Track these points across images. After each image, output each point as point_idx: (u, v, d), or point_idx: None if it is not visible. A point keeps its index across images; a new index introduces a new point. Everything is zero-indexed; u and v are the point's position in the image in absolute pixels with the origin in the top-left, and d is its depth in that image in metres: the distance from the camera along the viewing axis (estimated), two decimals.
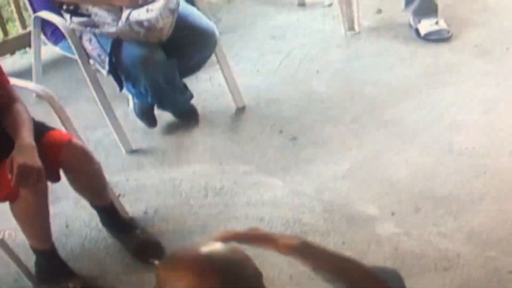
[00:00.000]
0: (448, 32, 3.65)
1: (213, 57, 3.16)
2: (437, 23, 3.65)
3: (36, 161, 2.09)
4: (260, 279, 1.29)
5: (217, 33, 3.05)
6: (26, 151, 2.10)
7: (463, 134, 2.98)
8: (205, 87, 3.44)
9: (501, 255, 2.41)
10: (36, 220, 2.30)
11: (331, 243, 2.52)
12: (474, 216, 2.57)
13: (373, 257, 2.42)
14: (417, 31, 3.68)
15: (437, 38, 3.63)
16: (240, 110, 3.29)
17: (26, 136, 2.15)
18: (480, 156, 2.86)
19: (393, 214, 2.62)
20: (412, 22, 3.72)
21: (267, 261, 1.91)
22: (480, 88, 3.26)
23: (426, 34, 3.64)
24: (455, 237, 2.49)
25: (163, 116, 3.20)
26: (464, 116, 3.09)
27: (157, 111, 3.16)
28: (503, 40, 3.58)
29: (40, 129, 2.32)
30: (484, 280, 2.33)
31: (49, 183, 2.31)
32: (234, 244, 1.32)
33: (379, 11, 3.95)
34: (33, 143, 2.13)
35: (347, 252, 2.41)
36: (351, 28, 3.78)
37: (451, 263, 2.39)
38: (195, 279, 1.22)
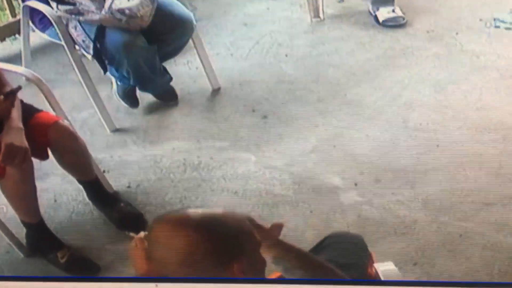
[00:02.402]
0: (404, 19, 3.62)
1: (190, 42, 3.12)
2: (393, 10, 3.63)
3: (23, 142, 2.08)
4: (258, 245, 1.23)
5: (194, 20, 3.02)
6: (13, 132, 2.08)
7: (417, 112, 2.96)
8: (183, 70, 3.39)
9: (453, 220, 2.40)
10: (23, 195, 2.26)
11: (300, 213, 2.50)
12: (429, 185, 2.56)
13: (338, 224, 2.40)
14: (375, 18, 3.65)
15: (394, 24, 3.61)
16: (216, 91, 3.24)
17: (15, 118, 2.12)
18: (432, 132, 2.84)
19: (356, 184, 2.60)
20: (371, 10, 3.69)
21: None
22: (432, 70, 3.24)
23: (384, 21, 3.62)
24: (412, 205, 2.48)
25: (145, 97, 3.15)
26: (417, 95, 3.07)
27: (139, 93, 3.11)
28: (453, 26, 3.57)
29: (29, 111, 2.30)
30: (438, 243, 2.33)
31: (37, 161, 2.26)
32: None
33: (341, 0, 3.92)
34: (21, 125, 2.12)
35: (315, 220, 2.44)
36: (316, 15, 3.74)
37: (409, 228, 2.38)
38: (185, 234, 1.18)
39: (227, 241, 1.21)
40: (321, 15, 3.74)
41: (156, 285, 1.17)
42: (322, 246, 1.76)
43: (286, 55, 3.47)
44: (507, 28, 3.52)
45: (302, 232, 2.38)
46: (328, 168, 2.70)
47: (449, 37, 3.48)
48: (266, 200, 2.57)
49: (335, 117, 2.99)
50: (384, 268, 1.68)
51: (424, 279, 2.21)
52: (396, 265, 1.73)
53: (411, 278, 2.20)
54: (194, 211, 1.25)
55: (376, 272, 1.65)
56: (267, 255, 1.33)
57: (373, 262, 1.68)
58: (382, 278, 1.62)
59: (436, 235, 2.35)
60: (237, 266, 1.20)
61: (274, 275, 1.39)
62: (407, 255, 2.28)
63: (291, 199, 2.57)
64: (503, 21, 3.56)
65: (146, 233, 1.25)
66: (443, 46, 3.41)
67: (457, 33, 3.50)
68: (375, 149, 2.77)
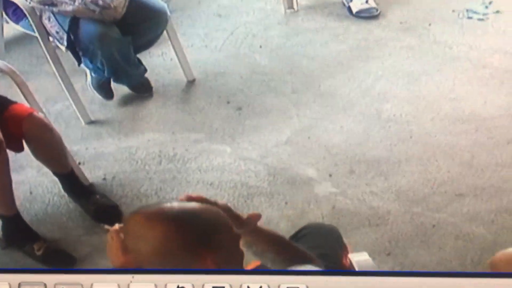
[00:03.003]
0: (377, 10, 3.65)
1: (164, 34, 3.10)
2: (367, 1, 3.64)
3: None
4: (236, 237, 1.25)
5: (168, 12, 3.00)
6: None
7: (390, 103, 2.99)
8: (157, 62, 3.38)
9: (426, 211, 2.44)
10: None
11: (275, 204, 2.51)
12: (402, 176, 2.59)
13: (313, 215, 2.43)
14: (349, 9, 3.66)
15: (367, 15, 3.62)
16: (190, 83, 3.24)
17: None
18: (405, 123, 2.87)
19: (330, 176, 2.62)
20: (344, 1, 3.70)
21: None
22: (405, 62, 3.27)
23: (357, 12, 3.63)
24: (385, 196, 2.51)
25: (119, 89, 3.13)
26: (390, 87, 3.09)
27: (113, 84, 3.09)
28: (425, 17, 3.60)
29: (3, 103, 2.30)
30: (412, 234, 2.36)
31: (12, 153, 2.25)
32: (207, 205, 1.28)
33: None
34: None
35: (289, 211, 2.46)
36: (290, 6, 3.75)
37: (382, 219, 2.41)
38: (158, 225, 1.20)
39: (200, 233, 1.21)
40: (295, 6, 3.74)
41: (133, 277, 1.17)
42: (297, 237, 1.78)
43: (260, 46, 3.48)
44: (479, 19, 3.55)
45: (277, 223, 2.40)
46: (302, 160, 2.72)
47: (422, 28, 3.51)
48: (241, 191, 2.58)
49: (309, 108, 3.01)
50: (358, 258, 1.70)
51: (398, 269, 2.25)
52: (370, 256, 1.76)
53: (385, 268, 2.23)
54: (169, 204, 1.26)
55: (351, 262, 1.67)
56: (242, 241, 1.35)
57: (347, 253, 1.71)
58: (357, 269, 1.64)
59: (409, 225, 2.39)
60: (210, 258, 1.22)
61: (252, 265, 1.40)
62: (381, 246, 2.31)
63: (266, 191, 2.58)
64: (475, 12, 3.60)
65: (122, 225, 1.26)
66: (416, 37, 3.44)
67: (430, 24, 3.54)
68: (349, 141, 2.80)
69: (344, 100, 3.04)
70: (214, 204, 1.33)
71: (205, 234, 1.22)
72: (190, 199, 1.31)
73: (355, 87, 3.12)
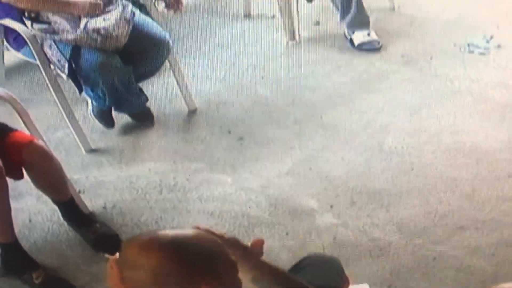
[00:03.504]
0: (379, 43, 3.69)
1: (166, 63, 3.14)
2: (369, 34, 3.70)
3: None
4: (233, 266, 1.25)
5: (170, 41, 3.02)
6: None
7: (391, 136, 3.02)
8: (159, 91, 3.40)
9: (427, 243, 2.45)
10: None
11: (276, 234, 2.52)
12: (403, 208, 2.61)
13: (314, 246, 2.43)
14: (351, 41, 3.71)
15: (369, 48, 3.67)
16: (192, 112, 3.26)
17: None
18: (407, 155, 2.90)
19: (331, 207, 2.64)
20: (347, 34, 3.75)
21: None
22: (406, 94, 3.31)
23: (359, 44, 3.68)
24: (387, 227, 2.52)
25: (120, 118, 3.15)
26: (392, 119, 3.13)
27: (114, 113, 3.11)
28: (427, 50, 3.65)
29: (3, 130, 2.29)
30: (413, 266, 2.36)
31: (12, 180, 2.26)
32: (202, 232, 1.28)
33: (317, 23, 3.98)
34: None
35: (290, 242, 2.46)
36: (292, 38, 3.79)
37: (383, 251, 2.42)
38: (154, 254, 1.18)
39: (195, 262, 1.21)
40: (297, 37, 3.80)
41: None
42: (298, 268, 1.78)
43: (262, 77, 3.52)
44: (480, 53, 3.60)
45: (278, 254, 2.40)
46: (304, 190, 2.74)
47: (424, 62, 3.56)
48: (242, 221, 2.59)
49: (311, 139, 3.04)
50: None
51: None
52: (371, 287, 1.77)
53: None
54: (164, 232, 1.24)
55: None
56: (246, 276, 1.36)
57: (348, 284, 1.71)
58: None
59: (410, 257, 2.39)
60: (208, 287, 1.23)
61: None
62: (382, 277, 2.31)
63: (267, 221, 2.59)
64: (476, 46, 3.65)
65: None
66: (418, 71, 3.49)
67: (431, 58, 3.58)
68: (350, 172, 2.82)
69: (346, 131, 3.07)
70: (221, 236, 1.34)
71: (201, 262, 1.22)
72: (196, 229, 1.32)
73: (357, 119, 3.15)
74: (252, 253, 1.36)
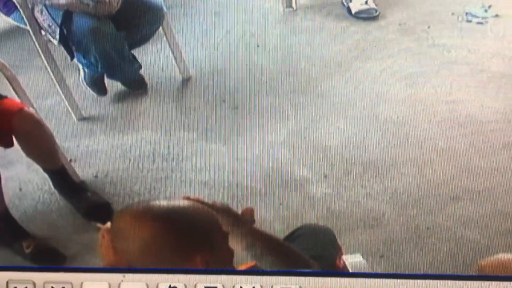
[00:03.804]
0: (376, 11, 3.66)
1: (160, 30, 3.10)
2: (366, 2, 3.66)
3: None
4: (225, 236, 1.26)
5: (164, 8, 3.00)
6: None
7: (387, 105, 2.99)
8: (153, 58, 3.37)
9: (420, 213, 2.44)
10: None
11: (270, 204, 2.52)
12: (397, 179, 2.60)
13: (308, 216, 2.43)
14: (348, 9, 3.67)
15: (366, 16, 3.64)
16: (186, 81, 3.23)
17: None
18: (402, 125, 2.88)
19: (325, 177, 2.63)
20: (344, 1, 3.72)
21: None
22: (403, 64, 3.28)
23: (356, 12, 3.64)
24: (380, 198, 2.52)
25: (113, 85, 3.13)
26: (388, 89, 3.10)
27: (107, 80, 3.09)
28: (424, 19, 3.61)
29: None
30: (406, 236, 2.36)
31: (1, 148, 2.24)
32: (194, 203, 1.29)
33: None
34: None
35: (284, 212, 2.46)
36: (289, 5, 3.75)
37: (377, 221, 2.42)
38: (147, 223, 1.20)
39: (188, 232, 1.21)
40: (293, 5, 3.75)
41: (124, 276, 1.17)
42: (291, 238, 1.79)
43: (258, 45, 3.48)
44: (478, 23, 3.57)
45: (272, 224, 2.40)
46: (298, 161, 2.72)
47: (421, 31, 3.52)
48: (235, 191, 2.58)
49: (306, 109, 3.01)
50: (352, 260, 1.71)
51: (391, 271, 2.26)
52: (364, 257, 1.77)
53: (378, 270, 2.24)
54: (157, 202, 1.26)
55: (344, 264, 1.68)
56: (240, 243, 1.35)
57: (341, 254, 1.71)
58: (350, 270, 1.65)
59: (403, 228, 2.40)
60: (200, 257, 1.22)
61: (246, 265, 1.41)
62: (374, 248, 2.31)
63: (260, 191, 2.58)
64: (474, 15, 3.62)
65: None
66: (415, 40, 3.45)
67: (429, 27, 3.55)
68: (345, 142, 2.80)
69: (341, 101, 3.04)
70: (213, 205, 1.33)
71: (194, 233, 1.22)
72: (187, 200, 1.31)
73: (353, 88, 3.12)
74: (244, 221, 1.36)
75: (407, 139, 2.80)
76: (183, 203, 1.28)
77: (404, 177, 2.61)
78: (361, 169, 2.65)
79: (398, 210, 2.46)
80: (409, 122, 2.89)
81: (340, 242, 1.80)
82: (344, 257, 1.69)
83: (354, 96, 3.07)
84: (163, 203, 1.26)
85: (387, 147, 2.76)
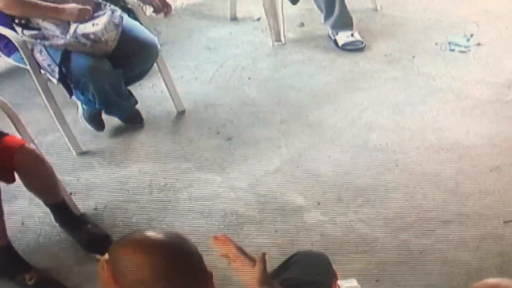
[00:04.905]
0: (362, 43, 3.70)
1: (155, 66, 3.12)
2: (352, 35, 3.70)
3: None
4: (201, 259, 1.28)
5: (158, 45, 3.02)
6: None
7: (376, 133, 3.02)
8: (148, 93, 3.40)
9: (412, 237, 2.45)
10: None
11: (265, 232, 2.51)
12: (389, 204, 2.61)
13: (302, 243, 2.43)
14: (335, 42, 3.72)
15: (353, 48, 3.68)
16: (181, 114, 3.25)
17: None
18: (391, 152, 2.90)
19: (318, 204, 2.64)
20: (331, 34, 3.76)
21: None
22: (390, 93, 3.32)
23: (343, 45, 3.68)
24: (373, 223, 2.52)
25: (111, 121, 3.14)
26: (376, 117, 3.13)
27: (104, 116, 3.10)
28: (409, 50, 3.67)
29: None
30: (399, 260, 2.36)
31: (4, 184, 2.24)
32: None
33: (302, 24, 3.98)
34: None
35: (279, 239, 2.46)
36: (278, 39, 3.79)
37: (370, 246, 2.42)
38: (143, 254, 1.20)
39: (188, 263, 1.23)
40: (282, 39, 3.79)
41: None
42: (287, 264, 1.79)
43: (249, 78, 3.51)
44: (461, 51, 3.62)
45: (267, 251, 2.38)
46: (291, 188, 2.73)
47: (406, 60, 3.57)
48: (231, 220, 2.58)
49: (298, 138, 3.03)
50: (348, 285, 1.71)
51: None
52: (359, 282, 1.77)
53: None
54: (152, 233, 1.26)
55: None
56: None
57: (337, 279, 1.71)
58: None
59: (396, 252, 2.39)
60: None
61: None
62: (369, 272, 2.30)
63: (256, 219, 2.58)
64: (457, 45, 3.67)
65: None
66: (401, 69, 3.50)
67: (413, 57, 3.59)
68: (337, 169, 2.82)
69: (331, 130, 3.06)
70: (252, 259, 1.39)
71: (189, 262, 1.23)
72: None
73: (342, 117, 3.15)
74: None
75: (397, 165, 2.82)
76: (177, 234, 1.28)
77: (395, 202, 2.62)
78: (353, 195, 2.66)
79: (391, 235, 2.46)
80: (398, 149, 2.92)
81: (335, 268, 1.80)
82: (339, 282, 1.69)
83: (344, 125, 3.09)
84: (158, 233, 1.26)
85: (378, 173, 2.77)
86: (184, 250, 1.25)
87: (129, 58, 2.91)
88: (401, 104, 3.21)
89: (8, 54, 3.01)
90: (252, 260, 1.42)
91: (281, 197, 2.68)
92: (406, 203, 2.61)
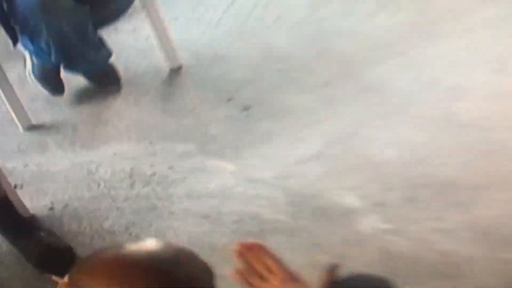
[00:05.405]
0: None
1: (137, 2, 3.15)
2: None
3: None
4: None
5: None
6: None
7: (465, 102, 2.99)
8: (128, 41, 3.43)
9: None
10: None
11: (299, 245, 2.51)
12: (483, 207, 2.58)
13: (355, 262, 2.41)
14: None
15: None
16: (175, 71, 3.28)
17: None
18: (487, 130, 2.87)
19: (379, 205, 2.62)
20: None
21: None
22: (487, 42, 3.29)
23: None
24: (458, 234, 2.50)
25: (73, 80, 3.17)
26: (465, 78, 3.11)
27: (64, 73, 3.13)
28: None
29: None
30: None
31: None
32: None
33: None
34: None
35: (320, 256, 2.45)
36: None
37: (457, 268, 2.40)
38: (119, 285, 1.21)
39: None
40: None
41: None
42: None
43: (275, 20, 3.51)
44: None
45: (302, 273, 2.39)
46: (338, 182, 2.72)
47: None
48: (250, 227, 2.59)
49: (347, 109, 3.02)
50: None
51: None
52: None
53: None
54: (136, 248, 1.27)
55: None
56: None
57: None
58: None
59: (492, 278, 2.37)
60: None
61: None
62: None
63: (286, 227, 2.58)
64: None
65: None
66: (504, 6, 3.45)
67: None
68: (406, 155, 2.80)
69: (398, 96, 3.06)
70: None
71: None
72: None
73: (412, 78, 3.14)
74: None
75: (497, 149, 2.78)
76: (172, 250, 1.29)
77: (493, 205, 2.59)
78: (431, 193, 2.64)
79: (489, 253, 2.43)
80: (495, 126, 2.88)
81: None
82: None
83: (417, 89, 3.08)
84: (144, 249, 1.27)
85: (466, 162, 2.75)
86: (183, 278, 1.25)
87: None
88: (502, 59, 3.17)
89: None
90: (301, 281, 1.44)
91: (323, 195, 2.68)
92: (506, 206, 2.57)
